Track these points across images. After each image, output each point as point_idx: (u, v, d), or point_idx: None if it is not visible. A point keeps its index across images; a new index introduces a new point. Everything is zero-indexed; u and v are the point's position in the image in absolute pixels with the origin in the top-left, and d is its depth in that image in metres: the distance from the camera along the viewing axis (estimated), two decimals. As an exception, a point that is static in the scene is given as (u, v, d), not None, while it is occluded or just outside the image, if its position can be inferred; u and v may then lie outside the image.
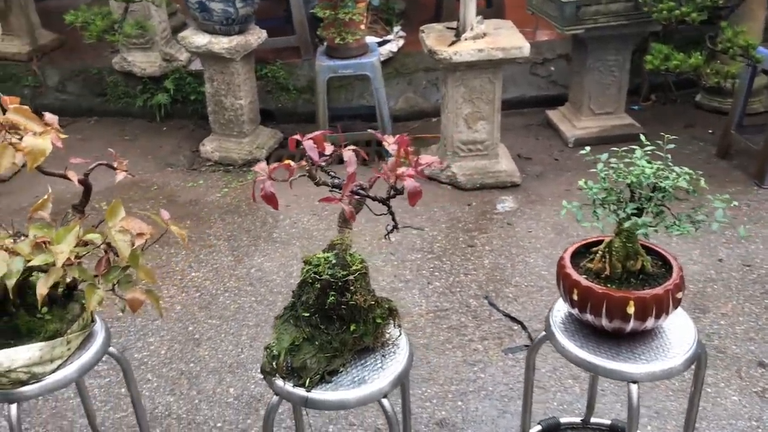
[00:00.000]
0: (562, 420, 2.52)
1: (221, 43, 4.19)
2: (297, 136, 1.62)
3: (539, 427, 2.48)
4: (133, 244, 1.64)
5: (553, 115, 4.82)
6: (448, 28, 4.00)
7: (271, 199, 1.55)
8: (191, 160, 4.60)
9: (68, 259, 1.60)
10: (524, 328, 3.00)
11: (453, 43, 3.76)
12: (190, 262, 3.51)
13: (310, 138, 1.59)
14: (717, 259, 3.35)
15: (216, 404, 2.68)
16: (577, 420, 2.53)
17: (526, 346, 2.89)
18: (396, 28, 5.25)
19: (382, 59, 4.68)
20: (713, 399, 2.61)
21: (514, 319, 3.04)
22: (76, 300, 1.96)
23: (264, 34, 4.42)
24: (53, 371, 1.87)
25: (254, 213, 3.93)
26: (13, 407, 1.85)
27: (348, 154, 1.69)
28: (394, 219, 1.73)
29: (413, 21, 5.60)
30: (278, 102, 5.03)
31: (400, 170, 1.55)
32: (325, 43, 4.48)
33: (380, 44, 4.96)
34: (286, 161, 1.69)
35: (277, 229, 3.77)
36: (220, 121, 4.51)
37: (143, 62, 4.99)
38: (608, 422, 2.51)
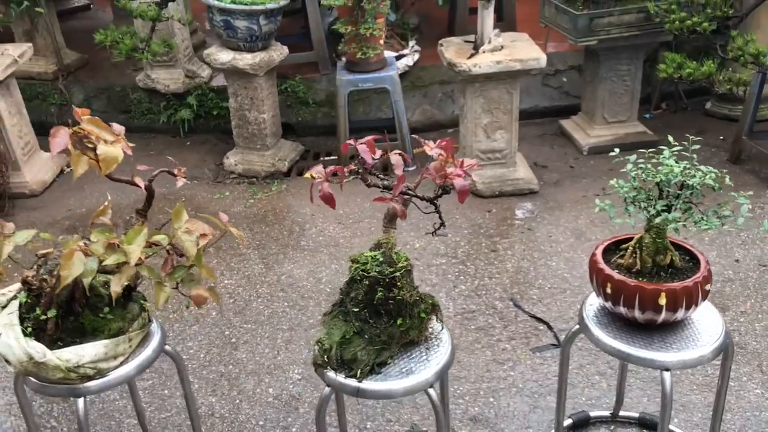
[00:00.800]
0: (592, 414, 2.62)
1: (245, 60, 4.33)
2: (350, 141, 1.74)
3: (570, 421, 2.58)
4: (197, 244, 1.75)
5: (567, 124, 4.94)
6: (465, 41, 4.14)
7: (329, 199, 1.67)
8: (215, 172, 4.73)
9: (139, 258, 1.72)
10: (550, 328, 3.10)
11: (472, 55, 3.90)
12: (222, 269, 3.63)
13: (363, 143, 1.70)
14: (734, 260, 3.46)
15: (257, 404, 2.79)
16: (606, 413, 2.63)
17: (553, 345, 3.00)
18: (411, 43, 5.39)
19: (398, 73, 4.81)
20: (736, 392, 2.70)
21: (539, 320, 3.15)
22: (135, 300, 2.08)
23: (285, 50, 4.56)
24: (116, 367, 1.98)
25: (281, 222, 4.05)
26: (80, 401, 1.95)
27: (395, 158, 1.81)
28: (440, 217, 1.85)
29: (427, 36, 5.75)
30: (298, 115, 5.17)
31: (449, 170, 1.67)
32: (344, 58, 4.62)
33: (396, 58, 5.09)
34: (335, 167, 1.81)
35: (304, 238, 3.88)
36: (243, 135, 4.65)
37: (167, 79, 5.14)
38: (636, 415, 2.61)
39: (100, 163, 1.70)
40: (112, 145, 1.72)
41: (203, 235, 1.78)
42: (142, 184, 1.84)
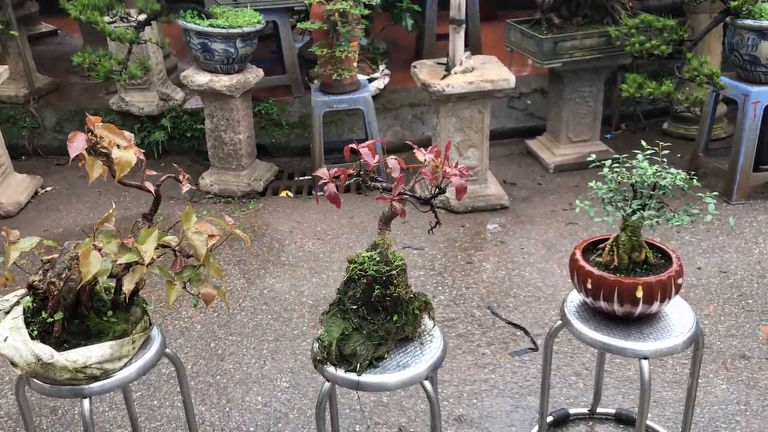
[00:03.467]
0: (571, 411, 2.75)
1: (222, 81, 4.43)
2: (353, 145, 1.86)
3: (551, 418, 2.70)
4: (207, 244, 1.84)
5: (533, 144, 5.14)
6: (438, 63, 4.31)
7: (334, 199, 1.78)
8: (191, 192, 4.78)
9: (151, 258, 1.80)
10: (527, 333, 3.23)
11: (445, 76, 4.06)
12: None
13: (365, 146, 1.82)
14: (696, 268, 3.65)
15: (246, 411, 2.85)
16: (585, 410, 2.76)
17: (531, 348, 3.13)
18: (381, 67, 5.55)
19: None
20: (704, 388, 2.86)
21: (516, 326, 3.28)
22: (137, 304, 2.14)
23: (261, 72, 4.67)
24: (121, 368, 2.04)
25: (260, 239, 4.13)
26: (86, 402, 2.00)
27: (392, 162, 1.94)
28: (436, 216, 1.97)
29: (395, 61, 5.93)
30: (272, 137, 5.27)
31: (447, 170, 1.80)
32: (318, 80, 4.75)
33: (368, 81, 5.24)
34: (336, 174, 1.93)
35: (284, 253, 3.96)
36: (219, 156, 4.72)
37: (141, 102, 5.20)
38: (613, 411, 2.74)
39: (115, 167, 1.78)
40: (125, 150, 1.80)
41: (211, 236, 1.87)
42: (152, 188, 1.93)
